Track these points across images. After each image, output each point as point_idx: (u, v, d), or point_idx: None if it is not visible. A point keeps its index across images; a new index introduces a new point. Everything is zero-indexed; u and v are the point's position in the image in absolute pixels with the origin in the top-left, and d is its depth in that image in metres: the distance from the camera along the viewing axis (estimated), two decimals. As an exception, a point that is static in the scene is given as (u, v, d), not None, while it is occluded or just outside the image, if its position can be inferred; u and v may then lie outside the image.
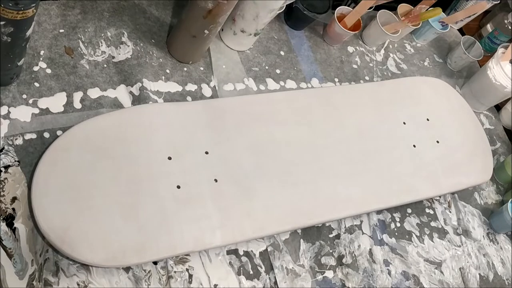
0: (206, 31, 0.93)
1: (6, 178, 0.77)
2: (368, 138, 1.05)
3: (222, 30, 1.05)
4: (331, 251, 0.97)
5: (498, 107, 1.37)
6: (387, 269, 1.00)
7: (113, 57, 0.95)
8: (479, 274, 1.09)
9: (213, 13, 0.89)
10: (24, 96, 0.85)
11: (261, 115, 0.97)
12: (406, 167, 1.06)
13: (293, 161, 0.95)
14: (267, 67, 1.10)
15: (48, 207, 0.75)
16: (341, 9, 1.16)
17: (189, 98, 0.98)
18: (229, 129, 0.93)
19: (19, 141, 0.81)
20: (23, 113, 0.84)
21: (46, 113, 0.85)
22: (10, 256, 0.74)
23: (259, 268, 0.90)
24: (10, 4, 0.67)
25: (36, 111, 0.85)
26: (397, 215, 1.07)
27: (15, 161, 0.79)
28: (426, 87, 1.21)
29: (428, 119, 1.15)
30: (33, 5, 0.69)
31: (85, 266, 0.78)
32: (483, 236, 1.14)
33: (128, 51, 0.97)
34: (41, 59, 0.89)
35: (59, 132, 0.85)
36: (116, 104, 0.91)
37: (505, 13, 1.40)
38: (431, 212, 1.11)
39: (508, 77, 1.21)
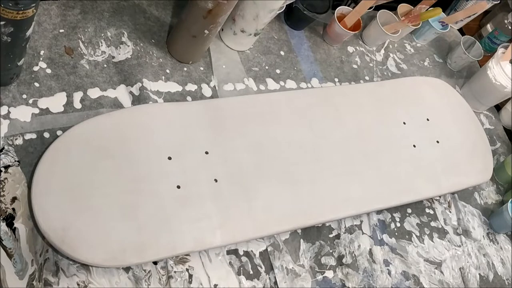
0: (206, 31, 0.93)
1: (6, 178, 0.77)
2: (368, 138, 1.05)
3: (222, 30, 1.05)
4: (331, 251, 0.97)
5: (498, 107, 1.37)
6: (387, 269, 1.00)
7: (113, 57, 0.95)
8: (479, 274, 1.09)
9: (213, 13, 0.89)
10: (24, 96, 0.85)
11: (261, 115, 0.97)
12: (406, 167, 1.06)
13: (293, 161, 0.95)
14: (267, 67, 1.10)
15: (48, 207, 0.75)
16: (341, 9, 1.16)
17: (189, 98, 0.98)
18: (229, 129, 0.93)
19: (19, 141, 0.81)
20: (23, 113, 0.84)
21: (46, 113, 0.85)
22: (10, 256, 0.73)
23: (259, 268, 0.90)
24: (10, 4, 0.67)
25: (36, 111, 0.85)
26: (397, 215, 1.07)
27: (15, 161, 0.79)
28: (426, 87, 1.21)
29: (428, 119, 1.15)
30: (33, 5, 0.69)
31: (85, 266, 0.78)
32: (483, 236, 1.14)
33: (128, 51, 0.97)
34: (41, 59, 0.89)
35: (59, 132, 0.85)
36: (116, 104, 0.91)
37: (505, 13, 1.40)
38: (431, 212, 1.11)
39: (508, 77, 1.21)
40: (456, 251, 1.09)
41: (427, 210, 1.11)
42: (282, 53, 1.13)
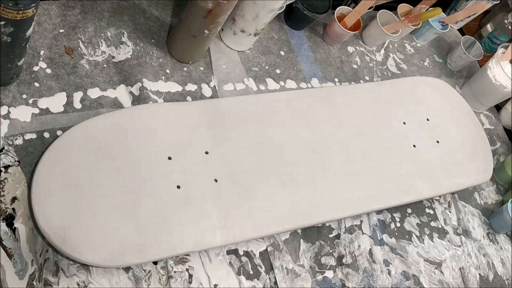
0: (206, 31, 0.93)
1: (6, 178, 0.77)
2: (368, 138, 1.05)
3: (222, 30, 1.05)
4: (331, 251, 0.97)
5: (498, 107, 1.37)
6: (387, 269, 1.00)
7: (113, 57, 0.95)
8: (479, 274, 1.09)
9: (213, 13, 0.89)
10: (24, 96, 0.85)
11: (261, 115, 0.97)
12: (406, 167, 1.06)
13: (293, 161, 0.95)
14: (267, 67, 1.10)
15: (48, 207, 0.75)
16: (341, 9, 1.16)
17: (189, 98, 0.98)
18: (229, 129, 0.93)
19: (19, 141, 0.81)
20: (23, 113, 0.84)
21: (46, 113, 0.85)
22: (10, 256, 0.74)
23: (259, 268, 0.90)
24: (10, 4, 0.67)
25: (36, 111, 0.85)
26: (397, 215, 1.07)
27: (15, 161, 0.79)
28: (426, 87, 1.21)
29: (428, 119, 1.15)
30: (33, 5, 0.69)
31: (85, 266, 0.78)
32: (483, 236, 1.14)
33: (128, 51, 0.97)
34: (41, 59, 0.89)
35: (59, 132, 0.85)
36: (116, 104, 0.91)
37: (505, 13, 1.40)
38: (431, 212, 1.11)
39: (508, 77, 1.21)
40: (456, 251, 1.09)
41: (427, 210, 1.11)
42: (282, 53, 1.13)
